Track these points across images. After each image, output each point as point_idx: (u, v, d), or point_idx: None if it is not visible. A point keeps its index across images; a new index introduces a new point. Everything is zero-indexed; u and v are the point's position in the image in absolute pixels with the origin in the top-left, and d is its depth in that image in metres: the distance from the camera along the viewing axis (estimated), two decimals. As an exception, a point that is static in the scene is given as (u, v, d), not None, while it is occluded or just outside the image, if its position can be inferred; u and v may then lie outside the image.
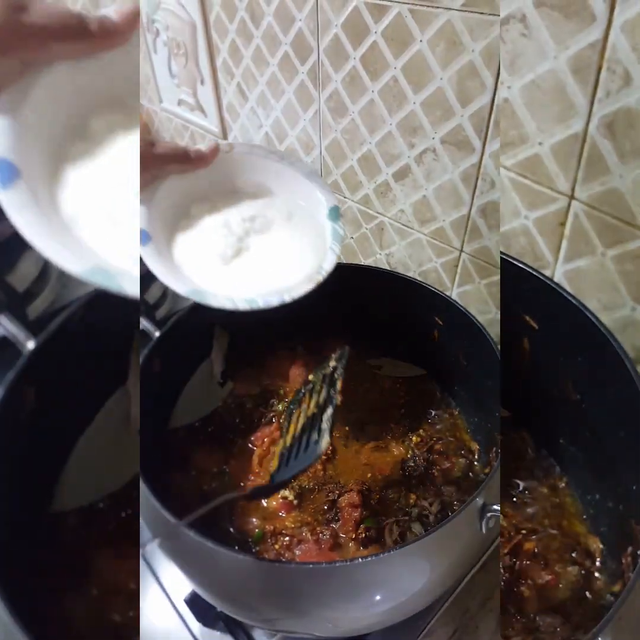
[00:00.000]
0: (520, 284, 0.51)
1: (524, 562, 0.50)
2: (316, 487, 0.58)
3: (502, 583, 0.49)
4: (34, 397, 0.48)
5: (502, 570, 0.49)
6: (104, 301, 0.55)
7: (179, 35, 0.87)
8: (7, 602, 0.35)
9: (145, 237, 0.49)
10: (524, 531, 0.52)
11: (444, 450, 0.60)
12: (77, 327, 0.52)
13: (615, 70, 0.43)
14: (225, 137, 0.94)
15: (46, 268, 0.71)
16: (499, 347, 0.52)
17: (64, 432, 0.53)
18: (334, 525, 0.54)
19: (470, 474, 0.58)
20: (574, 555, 0.50)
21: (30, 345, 0.48)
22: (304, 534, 0.53)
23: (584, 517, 0.53)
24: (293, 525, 0.54)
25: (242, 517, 0.55)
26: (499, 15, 0.48)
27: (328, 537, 0.52)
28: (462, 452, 0.60)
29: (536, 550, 0.50)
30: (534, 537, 0.51)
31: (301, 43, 0.69)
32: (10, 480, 0.45)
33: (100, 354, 0.55)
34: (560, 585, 0.48)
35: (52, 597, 0.46)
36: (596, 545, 0.50)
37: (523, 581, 0.49)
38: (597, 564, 0.49)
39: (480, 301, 0.68)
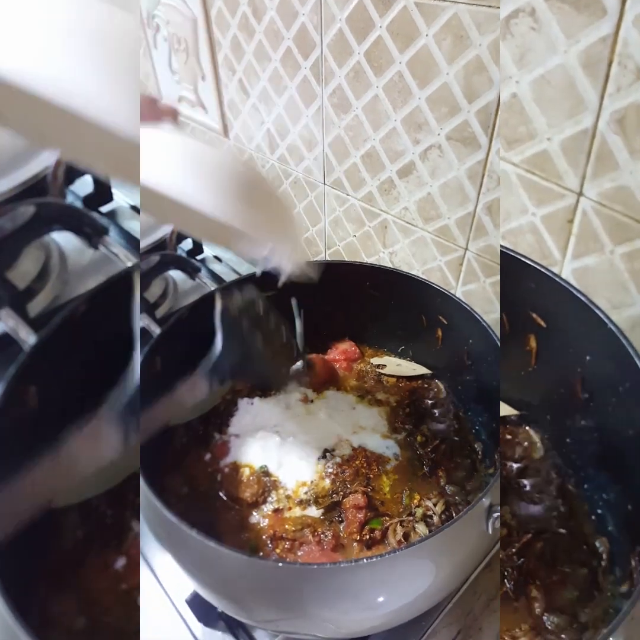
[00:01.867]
0: (527, 282, 0.51)
1: (532, 562, 0.50)
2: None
3: (512, 583, 0.48)
4: (35, 394, 0.48)
5: (510, 570, 0.49)
6: (104, 298, 0.54)
7: (180, 31, 0.86)
8: (9, 602, 0.34)
9: None
10: (531, 531, 0.52)
11: (448, 450, 0.60)
12: (78, 324, 0.52)
13: (626, 65, 0.43)
14: (226, 134, 0.93)
15: (47, 265, 0.71)
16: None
17: (64, 428, 0.53)
18: (336, 526, 0.53)
19: (475, 473, 0.58)
20: (581, 555, 0.50)
21: (31, 341, 0.48)
22: (305, 535, 0.52)
23: (592, 517, 0.52)
24: (293, 528, 0.53)
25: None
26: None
27: (330, 538, 0.52)
28: (467, 452, 0.60)
29: (544, 550, 0.50)
30: (541, 536, 0.51)
31: (304, 38, 0.68)
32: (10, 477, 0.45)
33: (100, 351, 0.55)
34: (568, 585, 0.48)
35: (53, 597, 0.46)
36: (604, 545, 0.50)
37: (530, 581, 0.49)
38: (605, 564, 0.49)
39: (484, 300, 0.68)
